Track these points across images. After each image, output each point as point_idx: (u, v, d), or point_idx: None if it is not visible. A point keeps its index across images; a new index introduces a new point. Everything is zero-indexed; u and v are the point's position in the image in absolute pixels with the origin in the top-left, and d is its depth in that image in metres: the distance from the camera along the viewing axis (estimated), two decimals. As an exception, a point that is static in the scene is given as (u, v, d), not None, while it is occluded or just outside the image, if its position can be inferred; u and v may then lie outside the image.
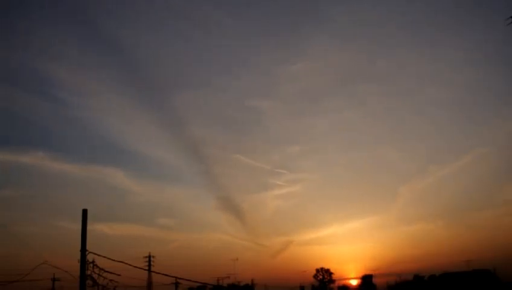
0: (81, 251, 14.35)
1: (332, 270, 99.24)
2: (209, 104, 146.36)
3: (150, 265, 78.10)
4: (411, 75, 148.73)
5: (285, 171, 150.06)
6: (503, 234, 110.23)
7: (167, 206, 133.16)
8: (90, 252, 14.50)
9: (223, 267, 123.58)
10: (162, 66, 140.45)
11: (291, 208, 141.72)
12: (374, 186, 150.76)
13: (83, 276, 14.31)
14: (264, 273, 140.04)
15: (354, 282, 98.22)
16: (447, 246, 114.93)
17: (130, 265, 16.75)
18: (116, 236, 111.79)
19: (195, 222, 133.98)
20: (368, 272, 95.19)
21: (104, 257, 15.03)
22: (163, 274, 28.63)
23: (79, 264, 14.33)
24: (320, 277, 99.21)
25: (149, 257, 79.44)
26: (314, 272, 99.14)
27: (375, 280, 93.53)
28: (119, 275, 15.94)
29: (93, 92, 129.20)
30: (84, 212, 14.60)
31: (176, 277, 35.10)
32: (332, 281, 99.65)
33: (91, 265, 14.63)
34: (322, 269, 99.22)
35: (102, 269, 15.06)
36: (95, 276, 14.87)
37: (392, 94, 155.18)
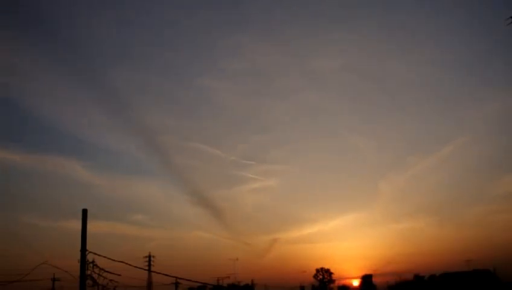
0: (81, 251, 14.33)
1: (332, 270, 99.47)
2: (155, 84, 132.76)
3: (149, 265, 78.11)
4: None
5: (253, 162, 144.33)
6: (498, 233, 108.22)
7: (136, 201, 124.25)
8: (90, 252, 14.48)
9: (223, 267, 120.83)
10: (99, 45, 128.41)
11: (270, 204, 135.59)
12: (352, 181, 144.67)
13: (83, 276, 14.29)
14: (264, 273, 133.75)
15: (355, 282, 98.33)
16: (441, 244, 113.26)
17: (130, 265, 16.73)
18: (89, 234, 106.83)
19: (171, 218, 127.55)
20: (367, 272, 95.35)
21: (104, 257, 15.02)
22: (163, 274, 28.53)
23: (79, 264, 14.32)
24: (320, 276, 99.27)
25: (149, 257, 79.49)
26: (314, 272, 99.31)
27: (375, 280, 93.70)
28: (119, 275, 15.93)
29: (26, 73, 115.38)
30: (84, 212, 14.58)
31: (176, 277, 35.09)
32: (332, 281, 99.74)
33: (91, 265, 14.62)
34: (322, 269, 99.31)
35: (102, 269, 15.04)
36: (95, 276, 14.85)
37: (359, 73, 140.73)
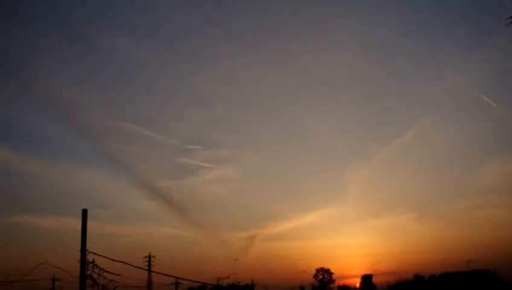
0: (81, 251, 14.32)
1: (332, 270, 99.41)
2: (59, 48, 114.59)
3: (149, 265, 78.06)
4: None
5: (199, 147, 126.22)
6: (482, 229, 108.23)
7: (82, 193, 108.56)
8: (90, 252, 14.48)
9: (223, 267, 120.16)
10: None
11: (234, 197, 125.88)
12: (316, 170, 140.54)
13: (83, 276, 14.28)
14: (264, 274, 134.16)
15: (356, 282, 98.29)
16: (425, 242, 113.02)
17: (130, 265, 16.72)
18: (47, 230, 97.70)
19: (132, 214, 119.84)
20: (367, 272, 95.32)
21: (104, 257, 15.01)
22: (163, 274, 28.56)
23: (79, 264, 14.30)
24: (320, 276, 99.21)
25: (149, 257, 79.45)
26: (314, 272, 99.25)
27: (375, 280, 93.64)
28: (119, 275, 15.91)
29: None
30: (84, 212, 14.57)
31: (176, 277, 35.05)
32: (332, 281, 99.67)
33: (91, 265, 14.61)
34: (322, 269, 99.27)
35: (102, 269, 15.03)
36: (95, 276, 14.84)
37: (319, 57, 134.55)
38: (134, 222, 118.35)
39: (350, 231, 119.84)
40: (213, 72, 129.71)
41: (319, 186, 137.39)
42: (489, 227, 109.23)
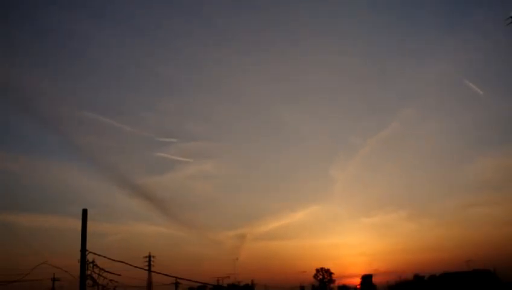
0: (81, 251, 14.32)
1: (332, 270, 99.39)
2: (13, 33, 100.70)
3: (150, 265, 78.05)
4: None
5: (173, 140, 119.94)
6: (477, 228, 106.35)
7: (63, 190, 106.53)
8: (90, 252, 14.48)
9: (216, 266, 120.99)
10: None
11: (218, 194, 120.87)
12: (299, 165, 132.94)
13: (83, 276, 14.28)
14: (264, 274, 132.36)
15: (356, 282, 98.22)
16: (420, 241, 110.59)
17: (130, 265, 16.72)
18: (28, 229, 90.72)
19: (115, 212, 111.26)
20: (364, 272, 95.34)
21: (104, 257, 15.01)
22: (163, 274, 28.53)
23: (79, 264, 14.30)
24: (320, 276, 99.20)
25: (149, 257, 79.42)
26: (314, 272, 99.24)
27: (374, 280, 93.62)
28: (119, 275, 15.91)
29: None
30: (84, 212, 14.57)
31: (176, 277, 35.06)
32: (332, 281, 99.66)
33: (91, 265, 14.61)
34: (322, 269, 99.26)
35: (102, 269, 15.03)
36: (95, 276, 14.84)
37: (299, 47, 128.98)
38: (115, 220, 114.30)
39: (343, 230, 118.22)
40: (184, 60, 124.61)
41: (304, 183, 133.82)
42: (484, 225, 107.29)
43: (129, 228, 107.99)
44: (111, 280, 15.57)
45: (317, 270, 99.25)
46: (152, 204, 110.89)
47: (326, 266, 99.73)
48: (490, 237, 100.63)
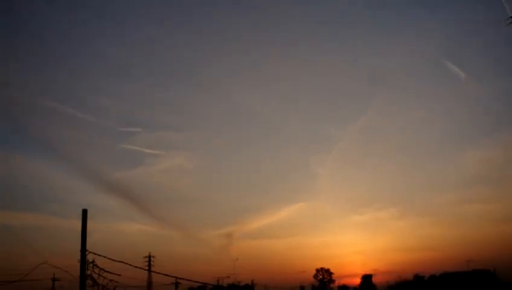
0: (81, 251, 14.32)
1: (332, 270, 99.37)
2: None
3: (149, 265, 77.98)
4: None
5: (138, 129, 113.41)
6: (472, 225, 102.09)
7: (35, 186, 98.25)
8: (90, 252, 14.48)
9: (223, 267, 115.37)
10: None
11: (196, 190, 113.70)
12: (277, 157, 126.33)
13: (83, 276, 14.28)
14: (264, 273, 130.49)
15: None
16: (415, 239, 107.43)
17: (130, 265, 16.72)
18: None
19: (89, 209, 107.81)
20: (363, 271, 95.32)
21: (105, 257, 15.01)
22: (163, 274, 28.56)
23: (79, 264, 14.30)
24: (320, 276, 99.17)
25: (149, 257, 79.34)
26: (314, 272, 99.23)
27: (374, 280, 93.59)
28: (119, 275, 15.92)
29: None
30: (84, 212, 14.57)
31: (176, 277, 35.08)
32: (332, 281, 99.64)
33: (91, 265, 14.61)
34: (322, 269, 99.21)
35: (102, 269, 15.03)
36: (95, 276, 14.84)
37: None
38: (95, 218, 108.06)
39: (334, 228, 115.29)
40: (144, 45, 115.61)
41: (285, 177, 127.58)
42: (480, 223, 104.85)
43: (106, 226, 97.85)
44: (111, 280, 15.58)
45: (317, 270, 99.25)
46: (129, 201, 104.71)
47: (324, 266, 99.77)
48: (488, 236, 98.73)
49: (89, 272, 14.55)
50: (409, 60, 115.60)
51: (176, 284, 59.64)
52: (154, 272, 70.25)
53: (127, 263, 16.30)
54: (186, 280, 26.62)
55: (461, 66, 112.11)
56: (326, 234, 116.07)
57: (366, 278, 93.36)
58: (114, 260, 15.47)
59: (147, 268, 73.33)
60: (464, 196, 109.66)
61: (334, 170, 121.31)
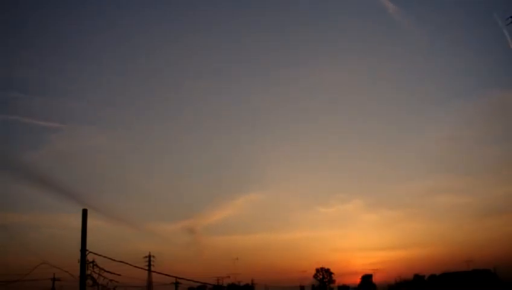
0: (81, 251, 14.32)
1: (332, 270, 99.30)
2: None
3: (149, 265, 78.00)
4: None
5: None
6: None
7: None
8: (90, 252, 14.48)
9: (223, 267, 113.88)
10: None
11: (127, 174, 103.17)
12: (229, 142, 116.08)
13: (83, 276, 14.28)
14: (264, 274, 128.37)
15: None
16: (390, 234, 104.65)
17: (130, 265, 16.73)
18: None
19: (26, 202, 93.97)
20: (367, 272, 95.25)
21: (105, 257, 15.01)
22: (163, 274, 28.57)
23: (79, 264, 14.30)
24: (320, 276, 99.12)
25: (149, 257, 79.39)
26: (314, 272, 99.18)
27: (375, 280, 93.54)
28: (119, 275, 15.92)
29: None
30: (84, 212, 14.56)
31: (176, 277, 35.09)
32: (332, 281, 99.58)
33: (91, 265, 14.61)
34: (322, 269, 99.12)
35: (102, 269, 15.04)
36: (95, 276, 14.85)
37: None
38: (28, 211, 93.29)
39: (300, 222, 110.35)
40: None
41: (238, 165, 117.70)
42: (453, 215, 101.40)
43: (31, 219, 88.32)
44: (111, 280, 15.58)
45: (317, 270, 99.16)
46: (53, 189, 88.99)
47: (324, 266, 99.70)
48: (470, 230, 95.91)
49: (89, 272, 14.56)
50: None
51: (176, 284, 59.68)
52: (154, 272, 70.28)
53: (127, 263, 16.32)
54: (186, 279, 26.64)
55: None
56: (296, 229, 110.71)
57: (366, 278, 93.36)
58: (114, 260, 15.48)
59: (147, 268, 73.41)
60: (432, 185, 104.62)
61: (292, 159, 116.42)
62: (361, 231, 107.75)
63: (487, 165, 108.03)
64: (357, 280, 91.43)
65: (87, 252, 14.39)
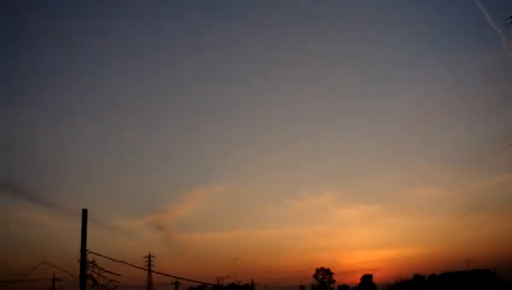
0: (81, 251, 14.32)
1: (332, 270, 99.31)
2: None
3: (149, 265, 78.00)
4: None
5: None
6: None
7: None
8: (90, 252, 14.48)
9: (222, 267, 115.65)
10: None
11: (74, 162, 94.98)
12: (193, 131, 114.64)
13: (83, 276, 14.28)
14: (264, 274, 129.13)
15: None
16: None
17: (130, 265, 16.73)
18: None
19: None
20: (367, 272, 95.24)
21: (105, 257, 15.02)
22: (163, 274, 28.57)
23: (79, 264, 14.30)
24: (320, 276, 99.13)
25: (149, 257, 79.37)
26: (314, 272, 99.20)
27: (375, 279, 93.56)
28: (119, 275, 15.92)
29: None
30: (84, 212, 14.56)
31: (176, 277, 35.09)
32: (332, 281, 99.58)
33: (91, 265, 14.61)
34: (322, 269, 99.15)
35: (102, 269, 15.04)
36: (95, 276, 14.85)
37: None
38: None
39: (272, 216, 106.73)
40: None
41: (198, 155, 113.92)
42: (440, 213, 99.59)
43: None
44: (111, 280, 15.58)
45: (317, 270, 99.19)
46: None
47: (324, 266, 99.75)
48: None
49: (89, 272, 14.56)
50: None
51: (176, 284, 59.67)
52: (154, 272, 70.28)
53: (127, 263, 16.32)
54: (186, 279, 26.63)
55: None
56: (271, 225, 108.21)
57: (366, 278, 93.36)
58: (114, 260, 15.49)
59: (147, 268, 73.40)
60: (415, 179, 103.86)
61: (257, 148, 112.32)
62: (343, 229, 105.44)
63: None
64: (355, 279, 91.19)
65: (87, 252, 14.40)
